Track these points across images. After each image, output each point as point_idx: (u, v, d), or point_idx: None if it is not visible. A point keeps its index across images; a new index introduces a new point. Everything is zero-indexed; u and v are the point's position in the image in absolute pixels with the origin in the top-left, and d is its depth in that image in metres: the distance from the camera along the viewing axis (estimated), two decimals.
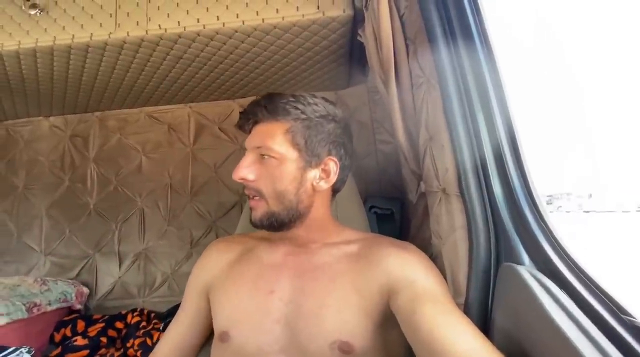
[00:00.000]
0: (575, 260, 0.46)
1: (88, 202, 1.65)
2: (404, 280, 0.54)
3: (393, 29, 0.86)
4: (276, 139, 0.58)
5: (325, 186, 0.61)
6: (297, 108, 0.59)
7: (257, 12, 1.02)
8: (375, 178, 1.51)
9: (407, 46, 0.85)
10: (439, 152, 0.71)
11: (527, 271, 0.50)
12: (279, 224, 0.60)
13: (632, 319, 0.37)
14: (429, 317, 0.48)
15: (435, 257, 0.75)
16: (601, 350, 0.36)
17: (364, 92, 1.53)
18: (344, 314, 0.55)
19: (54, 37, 1.06)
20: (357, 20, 1.07)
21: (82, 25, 1.05)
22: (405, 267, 0.56)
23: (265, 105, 0.59)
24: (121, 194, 1.65)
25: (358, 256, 0.61)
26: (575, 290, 0.43)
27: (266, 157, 0.59)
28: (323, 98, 0.64)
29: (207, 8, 1.02)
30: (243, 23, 1.02)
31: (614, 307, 0.39)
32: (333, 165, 0.61)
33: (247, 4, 1.02)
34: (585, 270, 0.44)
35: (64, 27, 1.05)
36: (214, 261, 0.67)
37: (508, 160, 0.58)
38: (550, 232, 0.50)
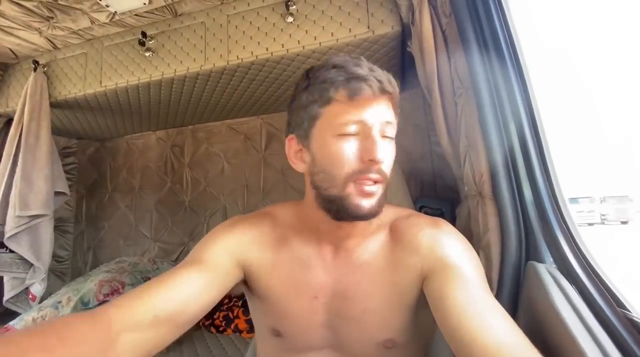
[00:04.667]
0: (588, 258, 0.50)
1: (184, 199, 2.03)
2: (437, 263, 0.51)
3: (436, 43, 0.93)
4: (395, 118, 0.53)
5: None
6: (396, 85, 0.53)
7: (315, 37, 1.17)
8: (430, 179, 1.55)
9: (449, 59, 0.91)
10: (476, 158, 0.77)
11: (545, 269, 0.56)
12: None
13: (626, 312, 0.42)
14: (459, 304, 0.44)
15: None
16: (595, 339, 0.42)
17: (418, 96, 1.58)
18: (386, 315, 0.54)
19: (162, 72, 1.36)
20: (406, 33, 1.15)
21: (181, 61, 1.33)
22: (438, 249, 0.52)
23: (387, 78, 0.51)
24: (208, 193, 1.98)
25: (392, 244, 0.56)
26: (584, 286, 0.48)
27: (388, 138, 0.52)
28: None
29: (274, 38, 1.21)
30: (303, 48, 1.18)
31: (613, 302, 0.44)
32: None
33: (306, 31, 1.18)
34: (595, 267, 0.48)
35: (169, 64, 1.35)
36: (252, 240, 0.59)
37: (535, 166, 0.62)
38: (570, 233, 0.55)
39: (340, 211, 0.51)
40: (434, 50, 0.93)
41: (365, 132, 0.49)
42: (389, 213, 0.59)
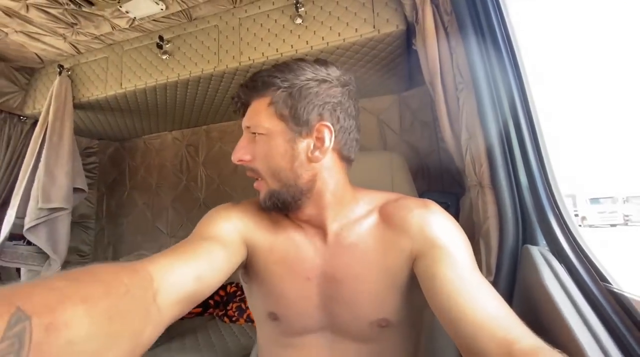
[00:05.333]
0: (577, 238, 0.53)
1: (199, 197, 2.10)
2: (426, 243, 0.52)
3: (438, 40, 0.97)
4: (261, 114, 0.55)
5: (321, 155, 0.54)
6: (277, 77, 0.54)
7: (322, 37, 1.22)
8: (437, 174, 1.58)
9: (451, 55, 0.95)
10: (476, 149, 0.81)
11: (538, 251, 0.59)
12: (282, 204, 0.55)
13: (607, 284, 0.45)
14: (448, 282, 0.46)
15: (475, 245, 0.84)
16: (580, 312, 0.45)
17: (425, 93, 1.61)
18: (379, 296, 0.56)
19: (178, 74, 1.44)
20: (411, 31, 1.18)
21: (196, 63, 1.40)
22: (427, 229, 0.53)
23: (246, 85, 0.57)
24: (222, 191, 2.05)
25: (382, 226, 0.57)
26: (571, 263, 0.52)
27: (257, 135, 0.55)
28: (315, 60, 0.58)
29: (284, 39, 1.27)
30: (312, 48, 1.23)
31: (597, 276, 0.47)
32: (326, 131, 0.53)
33: (314, 32, 1.23)
34: (582, 246, 0.51)
35: (184, 66, 1.42)
36: (253, 221, 0.61)
37: (530, 154, 0.65)
38: (561, 215, 0.58)
39: None
40: (436, 47, 0.97)
41: None
42: (379, 197, 0.61)
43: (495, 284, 0.70)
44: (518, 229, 0.68)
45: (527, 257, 0.60)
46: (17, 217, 1.54)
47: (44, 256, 1.59)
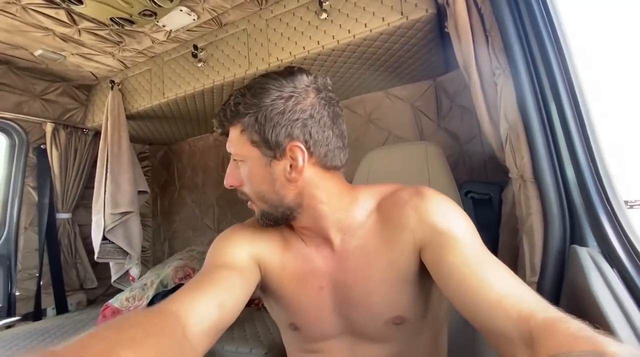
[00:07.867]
0: (633, 241, 0.48)
1: None
2: (427, 232, 0.52)
3: (472, 22, 0.90)
4: (237, 142, 0.56)
5: (297, 175, 0.53)
6: (241, 104, 0.54)
7: (348, 30, 1.20)
8: (480, 163, 1.49)
9: (486, 38, 0.88)
10: (516, 140, 0.75)
11: (587, 253, 0.54)
12: (274, 222, 0.58)
13: None
14: (456, 268, 0.45)
15: (519, 242, 0.79)
16: (632, 324, 0.41)
17: (463, 76, 1.51)
18: (389, 294, 0.56)
19: (213, 80, 1.50)
20: (442, 13, 1.11)
21: (228, 68, 1.45)
22: (425, 218, 0.53)
23: (219, 114, 0.57)
24: None
25: (381, 223, 0.57)
26: (625, 269, 0.47)
27: (239, 161, 0.57)
28: (276, 73, 0.55)
29: (310, 36, 1.26)
30: (338, 43, 1.21)
31: None
32: (298, 151, 0.52)
33: (340, 25, 1.21)
34: (639, 249, 0.46)
35: (218, 72, 1.48)
36: (262, 242, 0.63)
37: (577, 146, 0.59)
38: (614, 214, 0.52)
39: None
40: (469, 30, 0.90)
41: None
42: (376, 193, 0.61)
43: (540, 285, 0.66)
44: (565, 228, 0.63)
45: (575, 259, 0.56)
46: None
47: (125, 252, 1.79)
